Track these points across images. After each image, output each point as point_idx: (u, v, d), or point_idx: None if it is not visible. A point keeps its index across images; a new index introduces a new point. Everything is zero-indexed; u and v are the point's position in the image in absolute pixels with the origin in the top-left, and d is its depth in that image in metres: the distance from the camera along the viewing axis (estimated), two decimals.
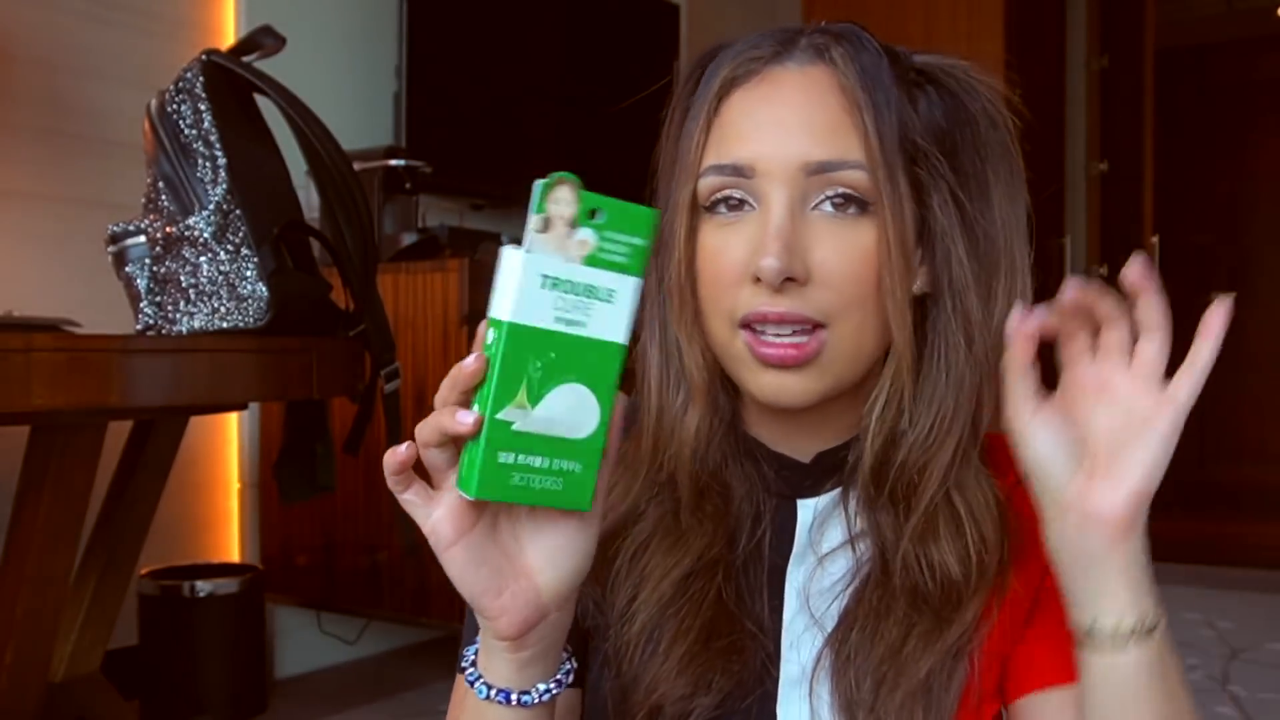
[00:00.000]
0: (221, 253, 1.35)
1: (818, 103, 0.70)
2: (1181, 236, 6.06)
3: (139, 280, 1.37)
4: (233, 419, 2.42)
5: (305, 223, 1.51)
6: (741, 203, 0.71)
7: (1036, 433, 0.65)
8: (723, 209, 0.72)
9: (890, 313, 0.70)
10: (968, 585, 0.71)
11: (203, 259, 1.35)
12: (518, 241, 0.55)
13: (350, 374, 1.50)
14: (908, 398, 0.72)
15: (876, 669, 0.71)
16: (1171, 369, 0.61)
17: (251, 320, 1.35)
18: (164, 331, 1.36)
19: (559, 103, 3.00)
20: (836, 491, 0.76)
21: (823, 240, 0.69)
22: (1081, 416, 0.64)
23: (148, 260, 1.37)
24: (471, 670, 0.65)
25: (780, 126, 0.70)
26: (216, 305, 1.35)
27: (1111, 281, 0.61)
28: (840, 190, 0.69)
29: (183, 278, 1.35)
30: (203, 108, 1.39)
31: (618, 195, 0.54)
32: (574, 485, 0.56)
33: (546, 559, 0.61)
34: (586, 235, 0.54)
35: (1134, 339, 0.62)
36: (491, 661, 0.63)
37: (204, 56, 1.43)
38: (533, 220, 0.53)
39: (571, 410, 0.55)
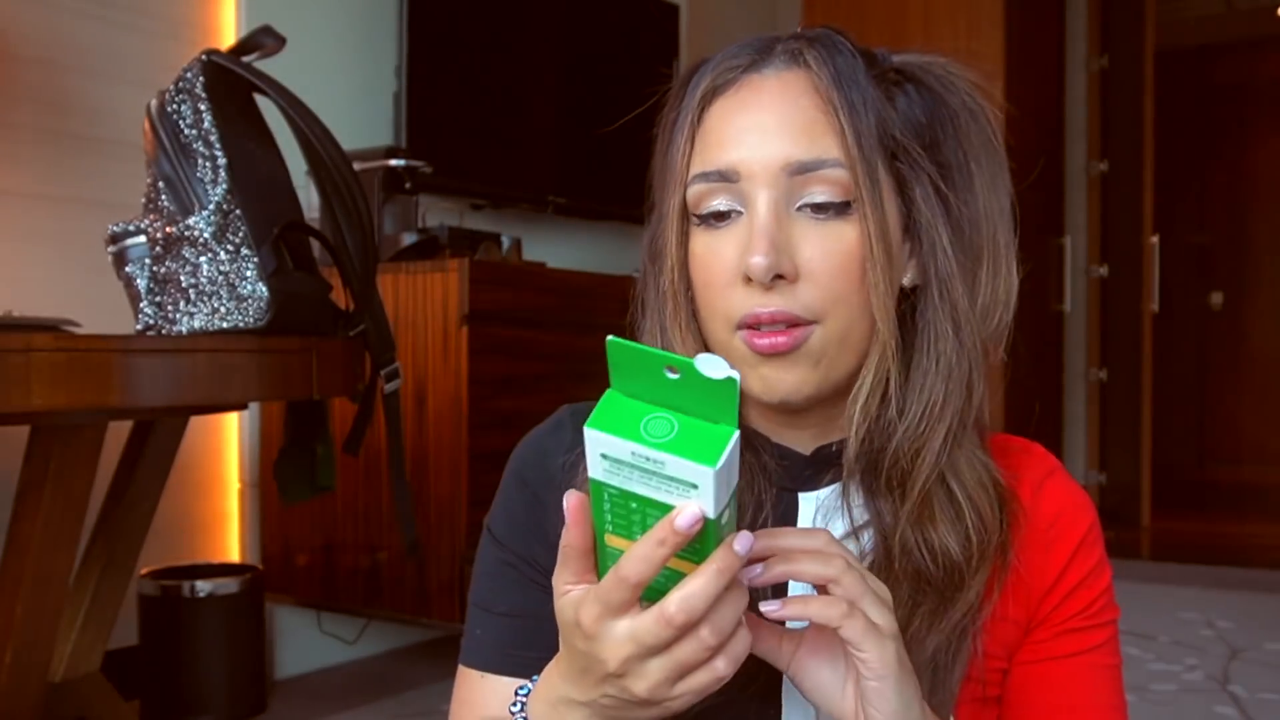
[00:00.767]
0: (221, 253, 1.35)
1: (794, 105, 0.72)
2: (1181, 236, 6.06)
3: (139, 280, 1.37)
4: (233, 419, 2.42)
5: (305, 223, 1.51)
6: (729, 212, 0.73)
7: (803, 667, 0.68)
8: (712, 221, 0.74)
9: (874, 305, 0.72)
10: (969, 565, 0.73)
11: (203, 259, 1.35)
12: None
13: (350, 374, 1.50)
14: (895, 386, 0.73)
15: None
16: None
17: (251, 320, 1.35)
18: (164, 331, 1.36)
19: (559, 103, 3.01)
20: (838, 485, 0.77)
21: (808, 238, 0.71)
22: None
23: (148, 260, 1.37)
24: (520, 713, 0.70)
25: (760, 130, 0.72)
26: (216, 305, 1.35)
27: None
28: (822, 189, 0.71)
29: (183, 278, 1.35)
30: (203, 108, 1.39)
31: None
32: None
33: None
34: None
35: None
36: (570, 715, 0.64)
37: (204, 56, 1.43)
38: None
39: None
